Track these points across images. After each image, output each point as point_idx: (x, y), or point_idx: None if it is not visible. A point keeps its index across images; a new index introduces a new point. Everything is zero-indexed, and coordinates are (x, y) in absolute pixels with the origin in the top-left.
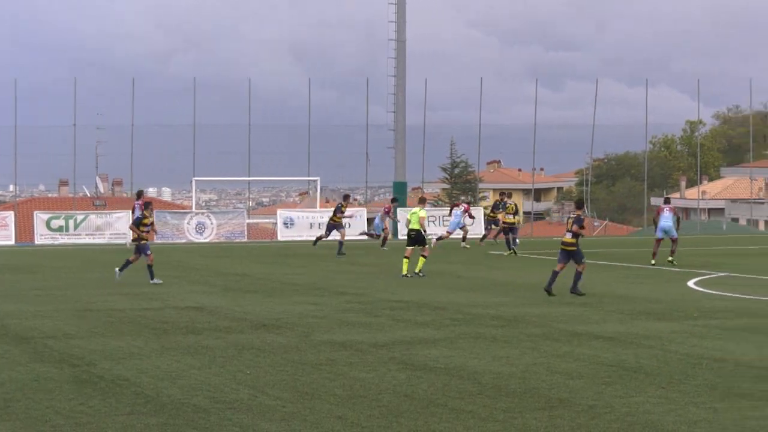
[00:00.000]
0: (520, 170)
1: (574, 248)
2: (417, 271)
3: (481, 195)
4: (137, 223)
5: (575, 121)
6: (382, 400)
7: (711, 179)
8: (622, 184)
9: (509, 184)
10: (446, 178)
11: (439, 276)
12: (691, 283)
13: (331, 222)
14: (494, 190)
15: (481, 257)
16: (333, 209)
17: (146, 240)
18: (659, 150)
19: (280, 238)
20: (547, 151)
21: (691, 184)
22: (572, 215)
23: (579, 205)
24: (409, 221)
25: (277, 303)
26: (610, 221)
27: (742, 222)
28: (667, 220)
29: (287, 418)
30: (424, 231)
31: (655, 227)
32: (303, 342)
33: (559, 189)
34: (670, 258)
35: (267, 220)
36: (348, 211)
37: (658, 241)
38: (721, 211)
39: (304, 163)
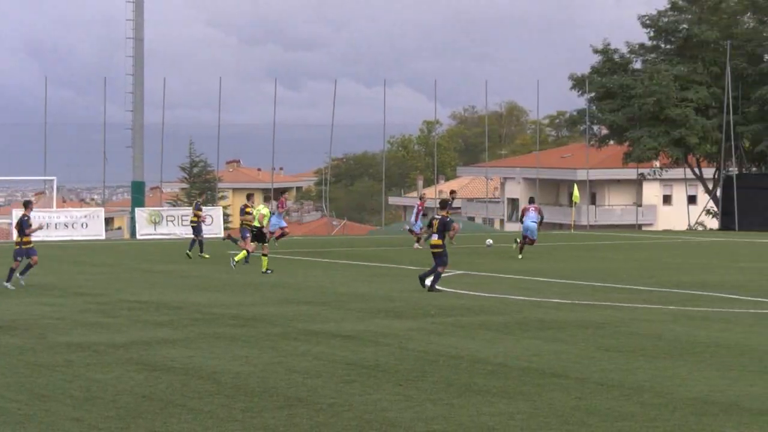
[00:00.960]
0: (259, 170)
1: (441, 249)
2: (264, 269)
3: (220, 195)
4: None
5: (315, 121)
6: (120, 401)
7: (448, 178)
8: (361, 183)
9: (249, 183)
10: (185, 178)
11: (182, 277)
12: (429, 282)
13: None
14: (234, 189)
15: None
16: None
17: None
18: (397, 150)
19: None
20: (287, 150)
21: (428, 183)
22: (437, 216)
23: (443, 205)
24: (253, 218)
25: (14, 304)
26: (348, 220)
27: (479, 221)
28: (533, 219)
29: (23, 421)
30: (264, 228)
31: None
32: (39, 343)
33: (299, 188)
34: (516, 250)
35: (2, 221)
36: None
37: (524, 238)
38: (457, 210)
39: (40, 163)
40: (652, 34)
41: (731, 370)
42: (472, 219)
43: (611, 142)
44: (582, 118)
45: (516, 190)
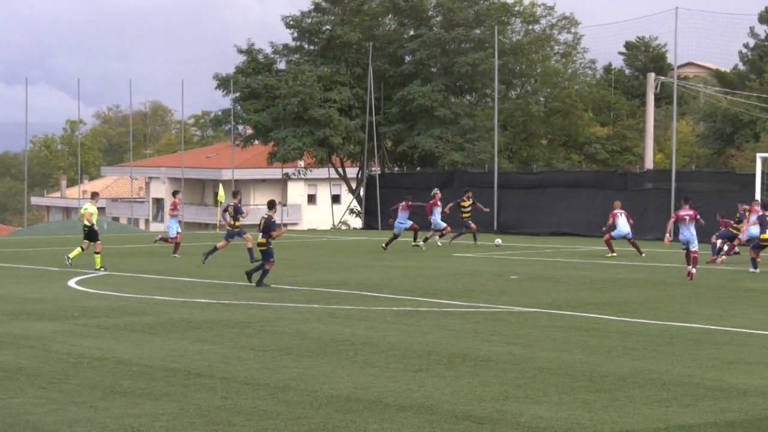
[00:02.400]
0: None
1: (266, 248)
2: (97, 267)
3: None
4: None
5: None
6: None
7: (92, 178)
8: (3, 183)
9: None
10: None
11: None
12: (72, 283)
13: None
14: None
15: None
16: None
17: None
18: (40, 149)
19: None
20: None
21: (72, 183)
22: (265, 216)
23: (271, 205)
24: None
25: None
26: None
27: (123, 221)
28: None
29: None
30: (93, 225)
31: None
32: None
33: None
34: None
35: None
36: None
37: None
38: (102, 210)
39: None
40: (296, 34)
41: (374, 367)
42: (116, 219)
43: (256, 141)
44: (227, 118)
45: (161, 189)
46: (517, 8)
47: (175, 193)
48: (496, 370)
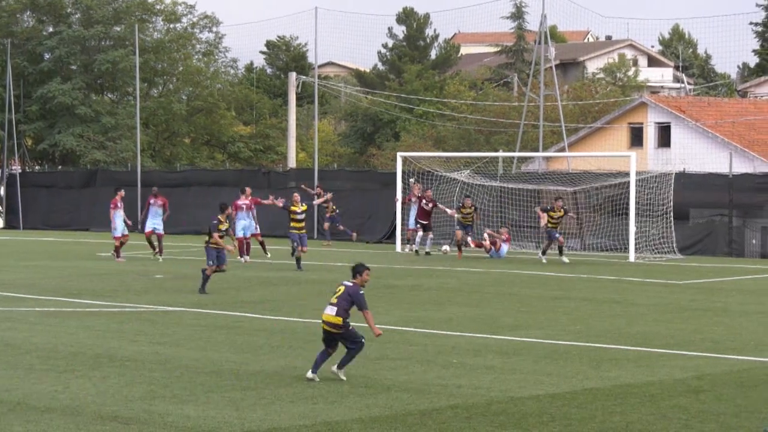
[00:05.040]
0: None
1: None
2: None
3: None
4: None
5: None
6: None
7: None
8: None
9: None
10: None
11: None
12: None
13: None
14: None
15: None
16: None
17: None
18: None
19: None
20: None
21: None
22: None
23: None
24: None
25: None
26: None
27: None
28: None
29: None
30: None
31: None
32: None
33: None
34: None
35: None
36: None
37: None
38: None
39: None
40: None
41: (18, 368)
42: None
43: None
44: None
45: None
46: (158, 6)
47: (117, 189)
48: (143, 369)
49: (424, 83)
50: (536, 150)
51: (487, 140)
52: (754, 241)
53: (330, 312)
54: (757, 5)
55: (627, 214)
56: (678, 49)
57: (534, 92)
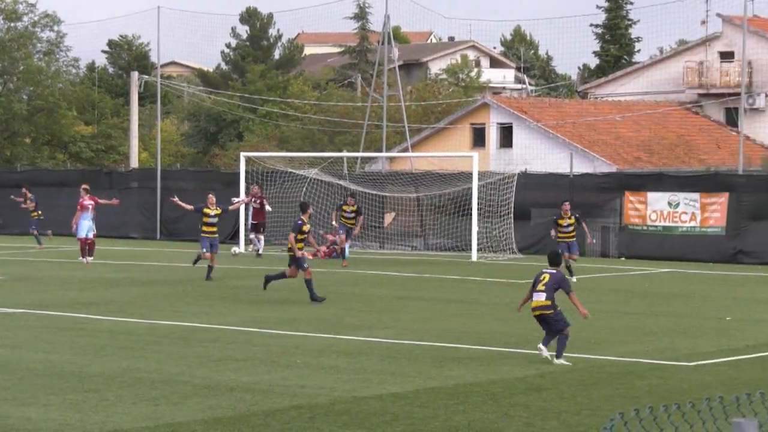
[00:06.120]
0: None
1: None
2: None
3: None
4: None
5: None
6: None
7: None
8: None
9: None
10: None
11: None
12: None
13: None
14: None
15: None
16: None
17: None
18: None
19: None
20: None
21: None
22: None
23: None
24: None
25: None
26: None
27: None
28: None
29: None
30: None
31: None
32: None
33: None
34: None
35: None
36: None
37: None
38: None
39: None
40: None
41: None
42: None
43: None
44: None
45: None
46: None
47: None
48: None
49: (267, 83)
50: (380, 150)
51: (331, 140)
52: (594, 241)
53: (540, 298)
54: (598, 7)
55: (470, 214)
56: (520, 50)
57: (377, 93)
